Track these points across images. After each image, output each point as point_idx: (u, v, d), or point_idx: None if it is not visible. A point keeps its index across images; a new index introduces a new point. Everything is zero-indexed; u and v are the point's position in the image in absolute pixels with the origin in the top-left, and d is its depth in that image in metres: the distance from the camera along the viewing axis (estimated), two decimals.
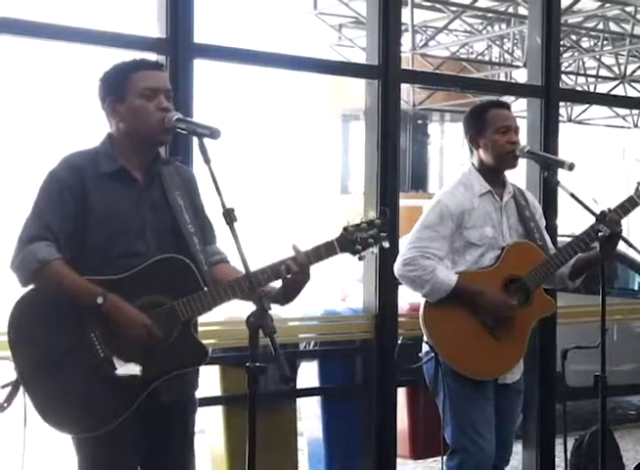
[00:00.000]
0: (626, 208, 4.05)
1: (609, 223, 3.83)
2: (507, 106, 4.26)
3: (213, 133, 2.91)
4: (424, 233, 4.06)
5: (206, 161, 2.83)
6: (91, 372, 2.99)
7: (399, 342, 5.10)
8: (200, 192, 3.33)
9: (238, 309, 3.19)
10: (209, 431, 5.29)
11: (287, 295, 3.13)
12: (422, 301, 4.10)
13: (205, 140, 2.90)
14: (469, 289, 4.01)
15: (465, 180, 4.18)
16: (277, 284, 3.13)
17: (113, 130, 3.19)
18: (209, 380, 5.03)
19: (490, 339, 4.04)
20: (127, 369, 3.00)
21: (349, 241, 3.12)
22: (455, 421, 4.08)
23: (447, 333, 4.06)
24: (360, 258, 3.15)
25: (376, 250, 3.16)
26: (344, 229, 3.12)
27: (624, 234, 3.97)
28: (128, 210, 3.10)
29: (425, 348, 4.16)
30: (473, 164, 4.21)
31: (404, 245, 4.14)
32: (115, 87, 3.12)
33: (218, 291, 3.06)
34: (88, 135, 3.34)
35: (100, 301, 2.96)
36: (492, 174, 4.17)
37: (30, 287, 3.03)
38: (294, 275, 3.07)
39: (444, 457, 4.15)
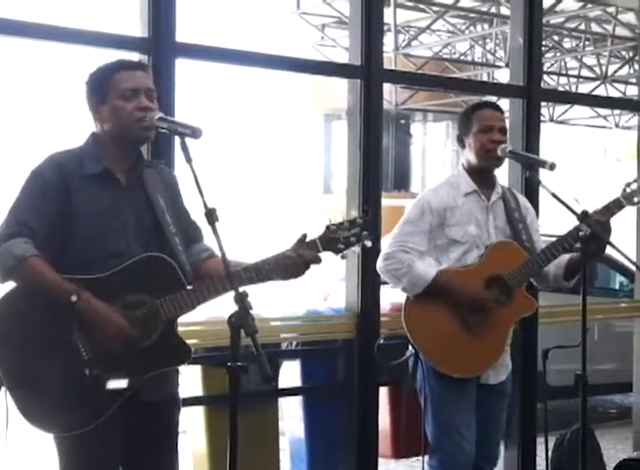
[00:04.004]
0: (611, 210, 4.01)
1: (590, 223, 3.83)
2: (495, 106, 4.26)
3: (195, 133, 2.92)
4: (404, 228, 4.11)
5: (188, 160, 2.84)
6: (74, 372, 2.98)
7: (380, 340, 5.11)
8: (182, 194, 3.33)
9: (219, 309, 3.19)
10: (191, 431, 5.28)
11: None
12: (404, 299, 4.12)
13: (187, 139, 2.90)
14: (446, 282, 4.02)
15: (452, 180, 4.23)
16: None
17: (97, 130, 3.19)
18: (191, 380, 5.02)
19: (470, 337, 4.04)
20: (115, 383, 3.00)
21: (332, 240, 3.13)
22: (436, 421, 4.09)
23: (427, 331, 4.07)
24: (342, 257, 3.17)
25: (358, 249, 3.17)
26: (327, 228, 3.14)
27: (614, 234, 3.93)
28: (110, 210, 3.10)
29: (410, 347, 4.16)
30: (462, 164, 4.25)
31: (387, 241, 4.17)
32: (98, 89, 3.13)
33: (201, 289, 3.07)
34: (71, 134, 3.33)
35: (74, 298, 2.95)
36: (480, 174, 4.18)
37: (12, 286, 3.02)
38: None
39: (426, 457, 4.15)
